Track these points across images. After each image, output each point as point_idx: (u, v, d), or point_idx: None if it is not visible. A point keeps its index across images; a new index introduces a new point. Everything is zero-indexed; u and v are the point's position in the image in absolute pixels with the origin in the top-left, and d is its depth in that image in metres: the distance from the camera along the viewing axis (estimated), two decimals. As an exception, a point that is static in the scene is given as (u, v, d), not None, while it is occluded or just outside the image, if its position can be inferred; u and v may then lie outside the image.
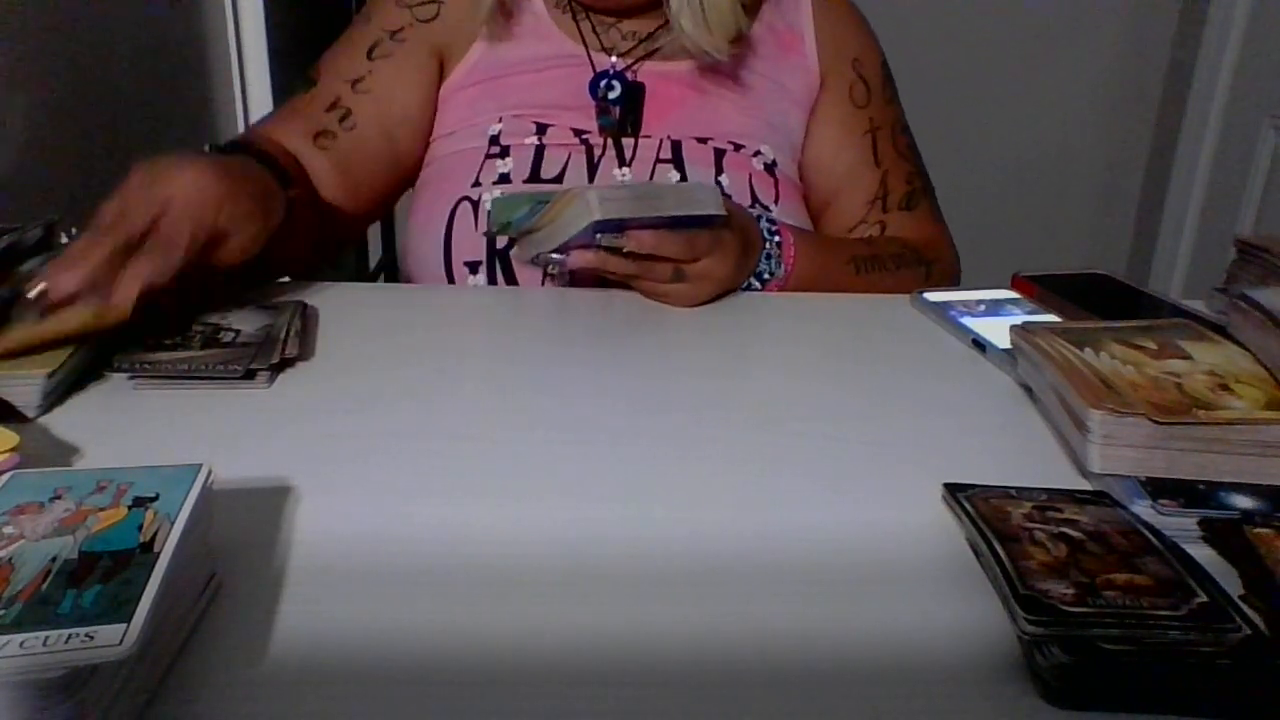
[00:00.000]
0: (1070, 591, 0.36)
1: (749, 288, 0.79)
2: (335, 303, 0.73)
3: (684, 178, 0.85)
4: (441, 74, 0.90)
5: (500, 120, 0.86)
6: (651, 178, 0.85)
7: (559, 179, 0.84)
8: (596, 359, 0.65)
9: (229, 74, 1.50)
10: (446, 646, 0.36)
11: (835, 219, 0.92)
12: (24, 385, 0.54)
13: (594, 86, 0.87)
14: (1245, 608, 0.37)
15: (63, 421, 0.54)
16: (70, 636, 0.30)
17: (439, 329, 0.70)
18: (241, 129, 1.54)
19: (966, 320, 0.70)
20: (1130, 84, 2.26)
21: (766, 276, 0.79)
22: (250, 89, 1.55)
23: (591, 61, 0.88)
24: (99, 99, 1.15)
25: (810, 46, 0.91)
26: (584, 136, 0.86)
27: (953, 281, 0.92)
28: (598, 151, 0.86)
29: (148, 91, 1.28)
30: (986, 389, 0.61)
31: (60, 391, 0.56)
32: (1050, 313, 0.71)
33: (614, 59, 0.89)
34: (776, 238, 0.79)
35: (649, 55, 0.89)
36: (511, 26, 0.89)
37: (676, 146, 0.86)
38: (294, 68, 1.64)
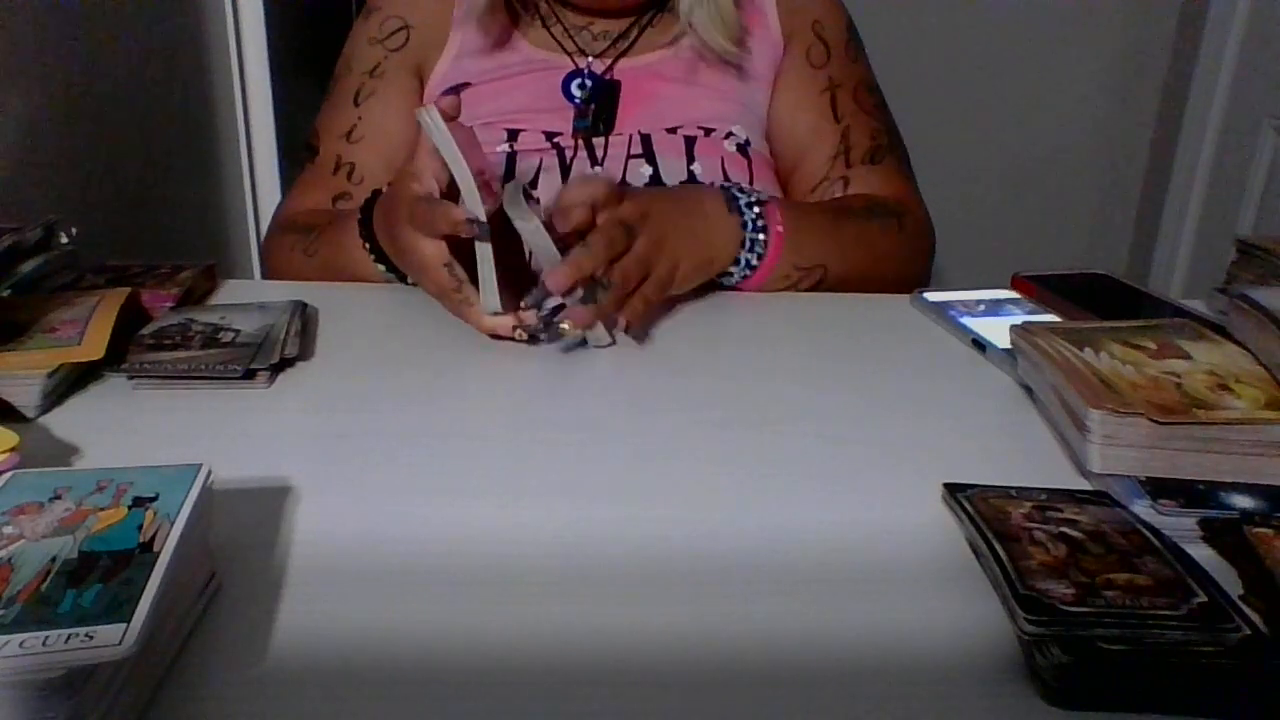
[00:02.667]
0: (1070, 591, 0.36)
1: (728, 276, 0.76)
2: (335, 303, 0.73)
3: (656, 170, 0.85)
4: (423, 87, 0.91)
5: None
6: (624, 174, 0.85)
7: (533, 184, 0.84)
8: (596, 359, 0.65)
9: (229, 74, 1.50)
10: (446, 646, 0.36)
11: (800, 180, 0.91)
12: (24, 385, 0.54)
13: (567, 87, 0.88)
14: (1245, 608, 0.37)
15: (63, 421, 0.54)
16: (70, 636, 0.30)
17: (439, 329, 0.70)
18: (241, 129, 1.54)
19: (966, 320, 0.70)
20: (1130, 84, 2.26)
21: (747, 268, 0.76)
22: (250, 89, 1.54)
23: (573, 60, 0.88)
24: (99, 99, 1.15)
25: (773, 19, 0.91)
26: (555, 139, 0.86)
27: (927, 238, 0.90)
28: (569, 153, 0.86)
29: (148, 91, 1.28)
30: (986, 389, 0.61)
31: (60, 391, 0.56)
32: (1050, 313, 0.71)
33: (589, 59, 0.89)
34: (761, 222, 0.75)
35: (622, 54, 0.89)
36: (480, 37, 0.89)
37: (646, 140, 0.86)
38: (294, 68, 1.64)
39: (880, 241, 0.84)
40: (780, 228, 0.76)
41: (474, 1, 0.87)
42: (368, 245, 0.75)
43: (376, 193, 0.76)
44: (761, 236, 0.75)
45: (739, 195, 0.76)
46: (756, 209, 0.76)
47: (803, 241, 0.78)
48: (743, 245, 0.75)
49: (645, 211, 0.68)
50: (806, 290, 0.79)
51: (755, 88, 0.91)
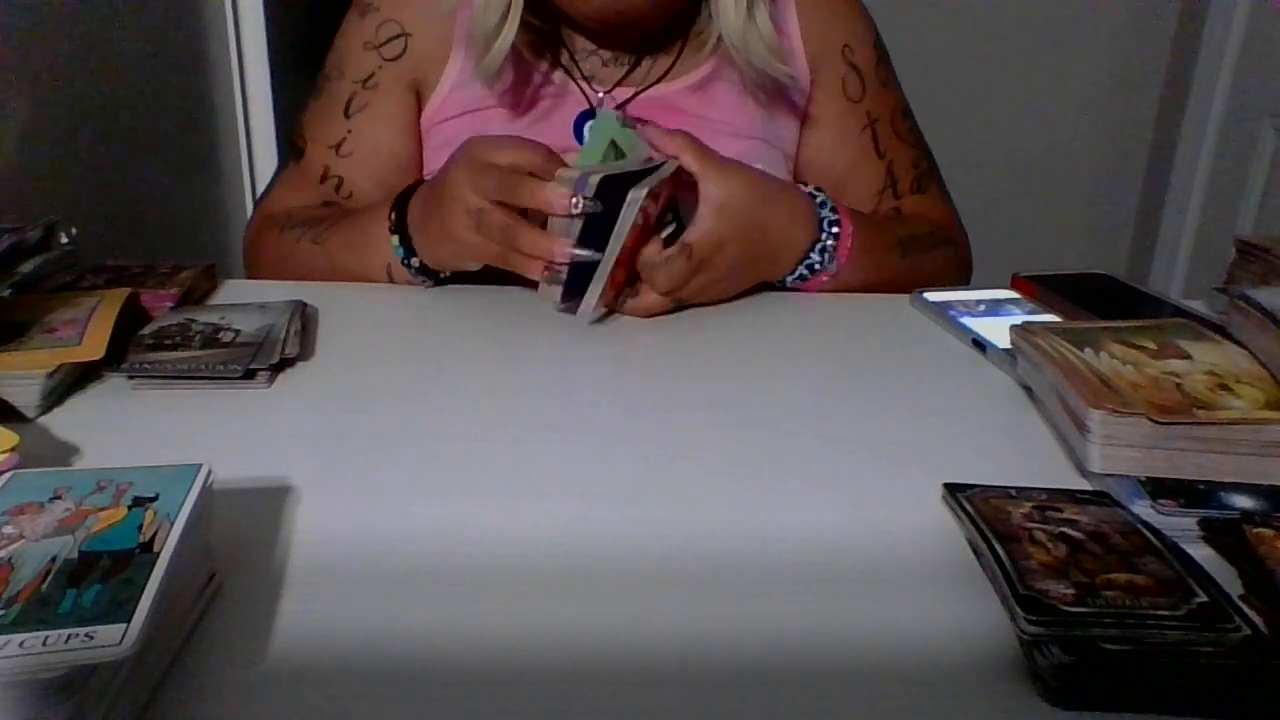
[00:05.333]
0: (1070, 591, 0.36)
1: (799, 277, 0.77)
2: (335, 303, 0.73)
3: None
4: (420, 105, 0.88)
5: None
6: None
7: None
8: (597, 359, 0.65)
9: (229, 74, 1.50)
10: (446, 646, 0.36)
11: None
12: (24, 385, 0.54)
13: (579, 127, 0.84)
14: (1245, 608, 0.37)
15: (63, 421, 0.54)
16: (70, 636, 0.30)
17: (439, 329, 0.70)
18: (241, 129, 1.54)
19: (966, 320, 0.70)
20: (1130, 84, 2.26)
21: (817, 268, 0.77)
22: (250, 89, 1.54)
23: (582, 91, 0.85)
24: (99, 99, 1.15)
25: (796, 43, 0.87)
26: None
27: (968, 265, 0.91)
28: None
29: (148, 91, 1.28)
30: (986, 389, 0.61)
31: (60, 391, 0.56)
32: (1050, 313, 0.71)
33: (600, 95, 0.86)
34: (835, 229, 0.77)
35: (642, 90, 0.85)
36: (493, 86, 0.84)
37: None
38: (294, 68, 1.64)
39: (939, 270, 0.85)
40: (844, 258, 0.77)
41: (479, 20, 0.80)
42: (396, 235, 0.75)
43: (415, 185, 0.76)
44: (820, 258, 0.77)
45: (824, 216, 0.77)
46: (833, 237, 0.77)
47: (860, 268, 0.78)
48: (800, 260, 0.77)
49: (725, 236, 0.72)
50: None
51: (778, 119, 0.88)
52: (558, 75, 0.86)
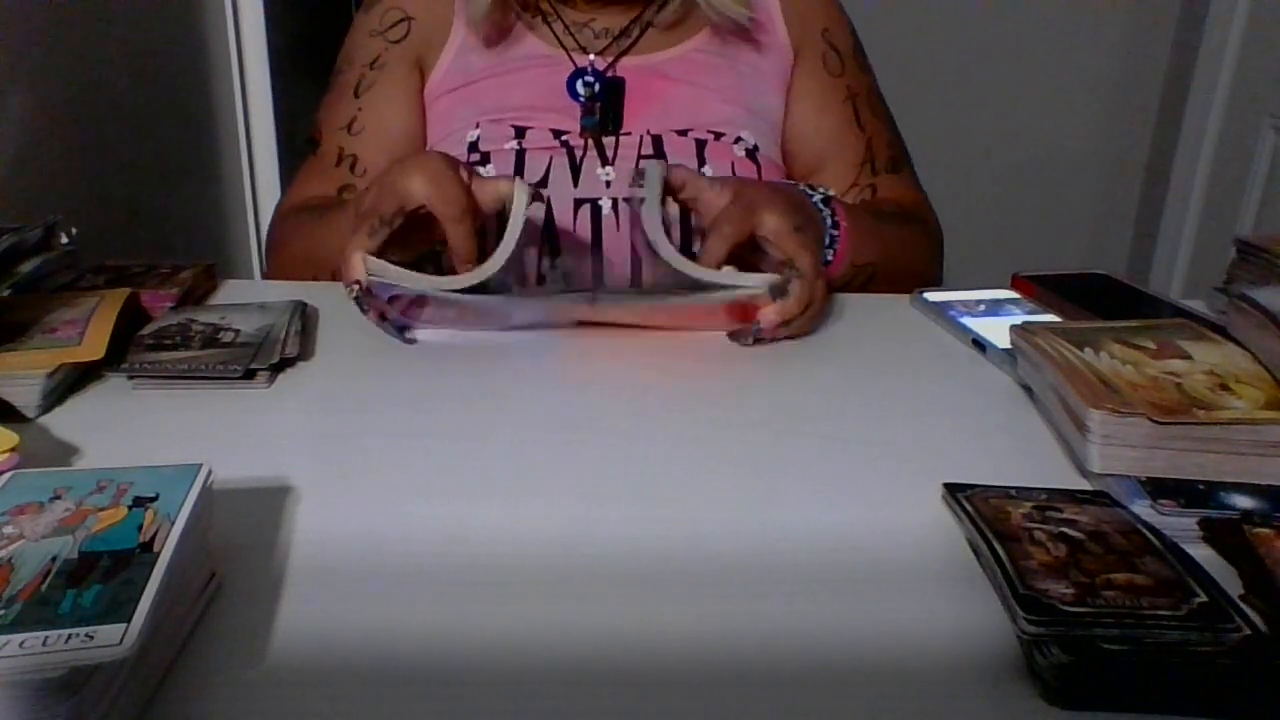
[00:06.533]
0: (1070, 591, 0.36)
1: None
2: (335, 303, 0.73)
3: None
4: (423, 81, 0.91)
5: (478, 126, 0.86)
6: None
7: (543, 183, 0.84)
8: (596, 359, 0.65)
9: (229, 74, 1.50)
10: (446, 646, 0.36)
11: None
12: (24, 385, 0.54)
13: (571, 85, 0.88)
14: (1245, 608, 0.37)
15: (63, 421, 0.54)
16: (70, 636, 0.30)
17: (439, 329, 0.70)
18: (241, 129, 1.54)
19: (966, 320, 0.70)
20: (1130, 84, 2.26)
21: (835, 235, 0.77)
22: (250, 89, 1.55)
23: (572, 59, 0.88)
24: (99, 99, 1.15)
25: (779, 25, 0.92)
26: (564, 137, 0.86)
27: (940, 244, 0.92)
28: (579, 152, 0.85)
29: (148, 91, 1.28)
30: (986, 389, 0.61)
31: (60, 391, 0.56)
32: (1050, 313, 0.71)
33: (592, 56, 0.89)
34: (834, 217, 0.77)
35: (625, 52, 0.89)
36: (482, 32, 0.89)
37: (657, 141, 0.86)
38: (294, 68, 1.64)
39: (915, 244, 0.87)
40: (845, 224, 0.78)
41: None
42: None
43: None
44: (835, 231, 0.77)
45: (809, 191, 0.78)
46: (827, 206, 0.77)
47: (859, 240, 0.79)
48: (820, 241, 0.76)
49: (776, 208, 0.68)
50: (853, 291, 0.80)
51: (763, 91, 0.91)
52: (548, 48, 0.89)
